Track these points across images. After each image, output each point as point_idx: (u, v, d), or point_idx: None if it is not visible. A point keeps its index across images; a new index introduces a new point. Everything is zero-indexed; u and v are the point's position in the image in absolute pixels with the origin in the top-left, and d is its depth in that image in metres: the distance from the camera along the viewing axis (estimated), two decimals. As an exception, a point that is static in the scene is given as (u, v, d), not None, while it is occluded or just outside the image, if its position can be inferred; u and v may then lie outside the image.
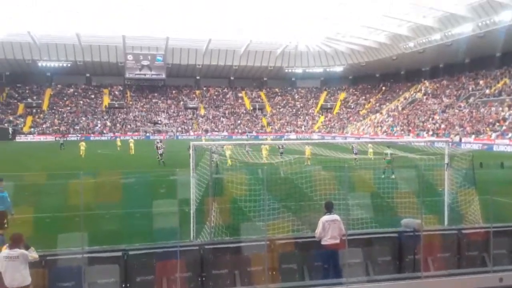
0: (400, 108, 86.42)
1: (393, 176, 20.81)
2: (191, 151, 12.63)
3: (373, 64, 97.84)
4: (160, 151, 37.30)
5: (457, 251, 10.80)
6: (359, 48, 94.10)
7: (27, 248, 8.16)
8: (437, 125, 70.68)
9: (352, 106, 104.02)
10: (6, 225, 12.36)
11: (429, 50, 77.54)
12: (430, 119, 74.32)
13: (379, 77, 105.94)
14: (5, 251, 7.94)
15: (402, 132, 74.69)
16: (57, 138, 69.21)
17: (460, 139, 60.20)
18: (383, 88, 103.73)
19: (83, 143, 48.69)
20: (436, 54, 78.74)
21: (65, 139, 72.83)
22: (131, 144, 49.41)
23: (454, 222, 13.07)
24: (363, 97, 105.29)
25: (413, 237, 10.19)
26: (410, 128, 74.59)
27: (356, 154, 29.00)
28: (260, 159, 19.41)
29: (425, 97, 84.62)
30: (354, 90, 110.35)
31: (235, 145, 17.38)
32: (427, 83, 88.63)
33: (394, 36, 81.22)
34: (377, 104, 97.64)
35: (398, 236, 10.82)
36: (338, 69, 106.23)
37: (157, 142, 39.56)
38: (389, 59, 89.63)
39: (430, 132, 68.71)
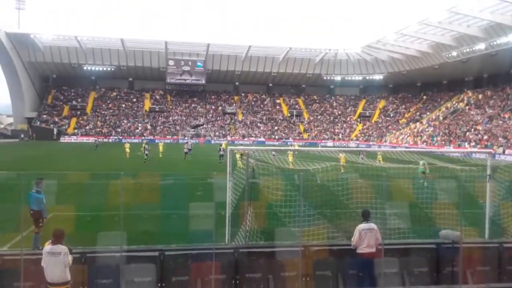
0: (441, 118, 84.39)
1: (425, 184, 20.73)
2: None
3: (414, 73, 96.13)
4: (146, 152, 43.23)
5: (497, 265, 10.47)
6: (400, 56, 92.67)
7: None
8: (480, 136, 68.61)
9: (391, 115, 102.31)
10: (41, 224, 12.81)
11: (473, 59, 75.54)
12: (472, 129, 72.24)
13: (420, 86, 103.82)
14: (48, 246, 8.20)
15: (443, 142, 72.88)
16: (97, 140, 71.64)
17: (504, 151, 58.23)
18: (424, 97, 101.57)
19: (128, 144, 51.64)
20: (480, 64, 76.61)
21: (99, 140, 75.60)
22: (161, 148, 51.90)
23: (495, 235, 12.67)
24: (403, 106, 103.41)
25: (452, 249, 9.95)
26: (451, 138, 72.72)
27: (362, 158, 29.46)
28: (286, 165, 19.39)
29: (467, 107, 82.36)
30: (394, 99, 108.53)
31: (267, 150, 17.46)
32: (470, 93, 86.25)
33: (436, 45, 79.59)
34: (418, 113, 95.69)
35: (436, 247, 10.60)
36: (378, 77, 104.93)
37: (145, 144, 46.56)
38: (431, 68, 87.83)
39: (472, 143, 66.77)
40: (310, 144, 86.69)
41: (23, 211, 7.04)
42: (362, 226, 9.79)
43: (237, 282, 9.62)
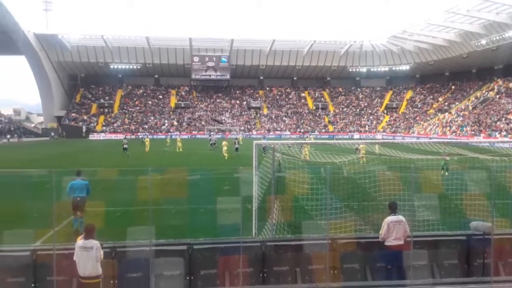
0: (470, 108, 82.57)
1: (443, 172, 20.75)
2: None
3: (442, 63, 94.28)
4: (125, 146, 46.26)
5: (531, 257, 10.21)
6: (427, 46, 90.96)
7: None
8: (511, 125, 66.88)
9: (419, 106, 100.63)
10: (84, 210, 14.10)
11: (502, 47, 73.66)
12: (503, 118, 70.44)
13: (448, 75, 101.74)
14: (81, 241, 8.39)
15: (473, 132, 71.34)
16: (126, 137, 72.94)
17: (537, 140, 56.67)
18: (453, 87, 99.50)
19: (148, 139, 55.33)
20: (510, 51, 74.54)
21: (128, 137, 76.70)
22: (179, 143, 52.96)
23: (528, 226, 12.35)
24: (431, 96, 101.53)
25: (483, 240, 9.77)
26: (481, 128, 71.08)
27: (356, 150, 29.95)
28: (302, 157, 19.27)
29: (497, 96, 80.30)
30: (421, 89, 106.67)
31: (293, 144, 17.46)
32: (500, 82, 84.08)
33: (465, 33, 77.84)
34: (446, 104, 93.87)
35: (466, 239, 10.41)
36: (405, 68, 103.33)
37: (124, 139, 49.71)
38: (459, 57, 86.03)
39: (503, 133, 65.13)
40: (329, 137, 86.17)
41: (55, 208, 7.21)
42: (390, 218, 9.69)
43: (265, 275, 9.65)
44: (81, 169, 15.13)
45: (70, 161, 39.07)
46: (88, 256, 8.27)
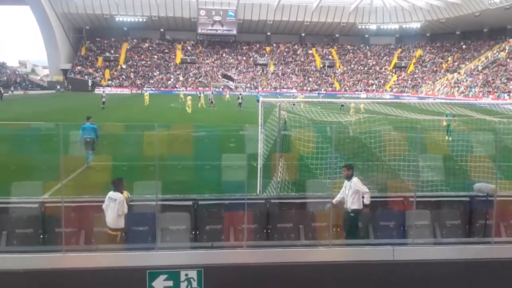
0: (480, 68, 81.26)
1: (447, 138, 20.02)
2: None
3: (454, 21, 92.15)
4: (103, 100, 48.47)
5: (532, 218, 10.31)
6: (439, 3, 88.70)
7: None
8: (521, 86, 66.07)
9: (428, 65, 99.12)
10: (94, 148, 17.37)
11: (517, 5, 71.78)
12: (514, 80, 69.47)
13: (460, 34, 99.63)
14: (111, 192, 8.77)
15: (481, 93, 70.54)
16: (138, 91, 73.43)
17: (546, 103, 56.02)
18: (463, 46, 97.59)
19: (147, 94, 56.71)
20: (525, 10, 72.79)
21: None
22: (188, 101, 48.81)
23: (532, 188, 12.38)
24: (440, 55, 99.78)
25: (486, 202, 9.84)
26: (490, 89, 70.22)
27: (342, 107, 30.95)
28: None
29: (509, 56, 78.80)
30: (431, 48, 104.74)
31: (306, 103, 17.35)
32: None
33: (478, -10, 75.76)
34: (456, 63, 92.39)
35: (469, 200, 10.49)
36: (415, 25, 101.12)
37: (103, 97, 50.86)
38: (472, 15, 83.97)
39: (511, 93, 64.39)
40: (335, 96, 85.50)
41: (62, 160, 7.28)
42: (355, 180, 9.70)
43: (269, 231, 9.83)
44: (90, 115, 18.11)
45: (76, 114, 39.15)
46: (112, 207, 8.66)
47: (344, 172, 9.77)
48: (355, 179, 9.61)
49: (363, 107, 32.62)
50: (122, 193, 8.74)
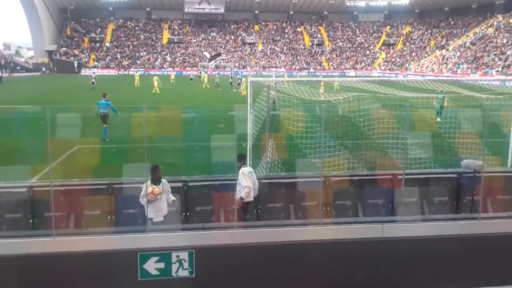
0: (468, 44, 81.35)
1: (438, 119, 19.67)
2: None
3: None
4: (93, 81, 48.85)
5: (519, 194, 10.46)
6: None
7: None
8: (508, 62, 66.23)
9: (416, 42, 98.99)
10: (107, 121, 19.61)
11: (505, -20, 71.53)
12: (501, 54, 69.61)
13: (448, 11, 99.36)
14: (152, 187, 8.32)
15: (469, 70, 70.77)
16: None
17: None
18: (452, 22, 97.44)
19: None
20: (514, -15, 72.62)
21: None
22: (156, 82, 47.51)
23: (518, 164, 12.55)
24: (429, 32, 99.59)
25: (473, 178, 9.94)
26: (478, 65, 70.45)
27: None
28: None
29: (497, 32, 78.87)
30: (419, 25, 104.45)
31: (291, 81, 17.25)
32: (500, 17, 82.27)
33: (467, -35, 75.33)
34: (444, 40, 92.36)
35: (457, 177, 10.60)
36: (404, 2, 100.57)
37: (92, 78, 50.97)
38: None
39: (499, 69, 64.64)
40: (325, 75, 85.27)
41: (50, 144, 7.20)
42: (246, 169, 9.33)
43: (259, 211, 9.88)
44: (106, 93, 20.66)
45: (62, 97, 38.71)
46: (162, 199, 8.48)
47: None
48: (240, 170, 9.17)
49: (337, 84, 33.70)
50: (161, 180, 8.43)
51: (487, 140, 8.79)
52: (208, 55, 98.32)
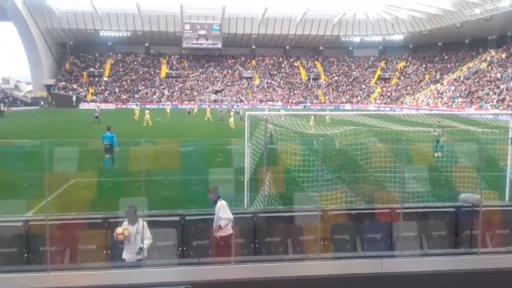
0: (462, 79, 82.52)
1: (437, 155, 19.59)
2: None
3: (436, 32, 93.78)
4: (96, 114, 49.64)
5: (517, 228, 10.42)
6: (421, 15, 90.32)
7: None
8: (502, 96, 67.01)
9: (411, 77, 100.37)
10: (113, 153, 20.59)
11: (496, 17, 73.29)
12: (495, 88, 70.45)
13: (442, 46, 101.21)
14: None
15: (464, 104, 71.53)
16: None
17: (528, 112, 56.86)
18: (445, 57, 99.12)
19: (137, 108, 54.87)
20: (505, 22, 74.31)
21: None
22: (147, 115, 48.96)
23: (516, 198, 12.55)
24: (423, 67, 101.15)
25: (471, 212, 9.92)
26: (473, 99, 71.25)
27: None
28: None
29: (490, 66, 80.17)
30: (414, 60, 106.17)
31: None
32: (493, 52, 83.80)
33: (459, 2, 77.28)
34: (438, 74, 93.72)
35: (455, 210, 10.58)
36: (398, 37, 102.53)
37: (96, 111, 51.84)
38: (453, 26, 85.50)
39: (494, 103, 65.32)
40: (321, 108, 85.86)
41: (47, 177, 7.19)
42: (224, 202, 9.03)
43: (257, 245, 9.78)
44: (110, 126, 21.66)
45: (60, 131, 38.81)
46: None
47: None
48: (218, 203, 8.90)
49: (329, 118, 34.57)
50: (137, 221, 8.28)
51: (484, 174, 8.81)
52: (211, 90, 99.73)
